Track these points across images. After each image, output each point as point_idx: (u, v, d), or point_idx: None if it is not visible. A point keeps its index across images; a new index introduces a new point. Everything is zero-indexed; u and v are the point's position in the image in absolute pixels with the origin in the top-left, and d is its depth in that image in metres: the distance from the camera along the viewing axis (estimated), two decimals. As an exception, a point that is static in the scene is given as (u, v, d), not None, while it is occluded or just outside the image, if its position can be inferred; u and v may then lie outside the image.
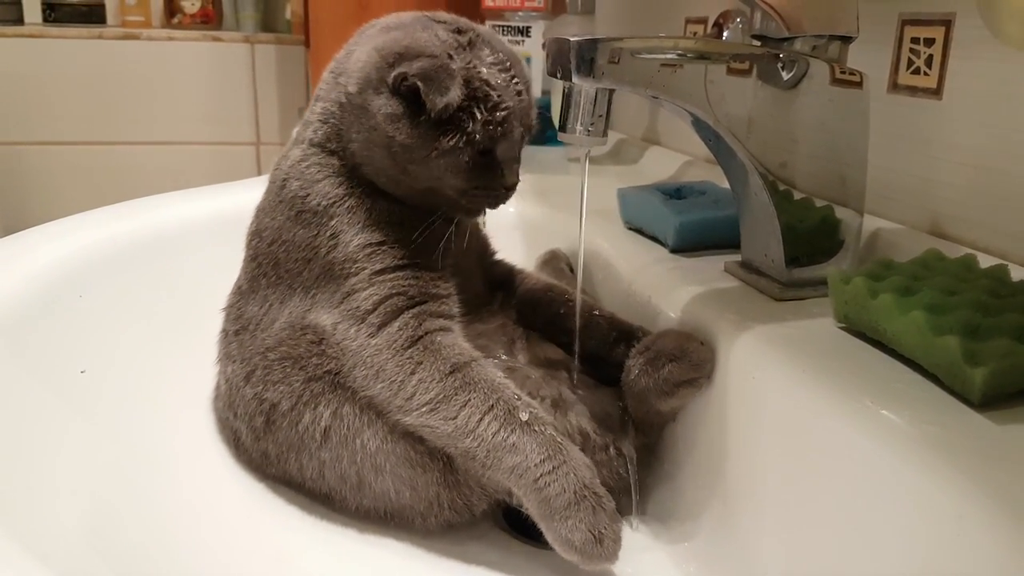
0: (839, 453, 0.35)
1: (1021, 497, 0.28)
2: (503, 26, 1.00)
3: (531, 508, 0.40)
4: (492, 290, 0.54)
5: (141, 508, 0.42)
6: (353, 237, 0.44)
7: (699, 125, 0.47)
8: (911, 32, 0.53)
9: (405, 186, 0.45)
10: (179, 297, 0.57)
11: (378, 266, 0.44)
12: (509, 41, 0.98)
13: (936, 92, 0.52)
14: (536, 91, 0.98)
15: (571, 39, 0.40)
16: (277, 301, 0.45)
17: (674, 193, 0.62)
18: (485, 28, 0.46)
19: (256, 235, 0.47)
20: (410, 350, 0.42)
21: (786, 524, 0.39)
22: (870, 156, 0.49)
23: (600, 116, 0.43)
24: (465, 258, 0.49)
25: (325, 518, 0.46)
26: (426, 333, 0.43)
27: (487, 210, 0.47)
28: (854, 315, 0.42)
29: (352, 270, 0.43)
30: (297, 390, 0.44)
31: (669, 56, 0.43)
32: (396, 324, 0.43)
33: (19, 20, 1.67)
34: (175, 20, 1.81)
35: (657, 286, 0.53)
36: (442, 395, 0.41)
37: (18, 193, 1.60)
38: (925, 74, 0.53)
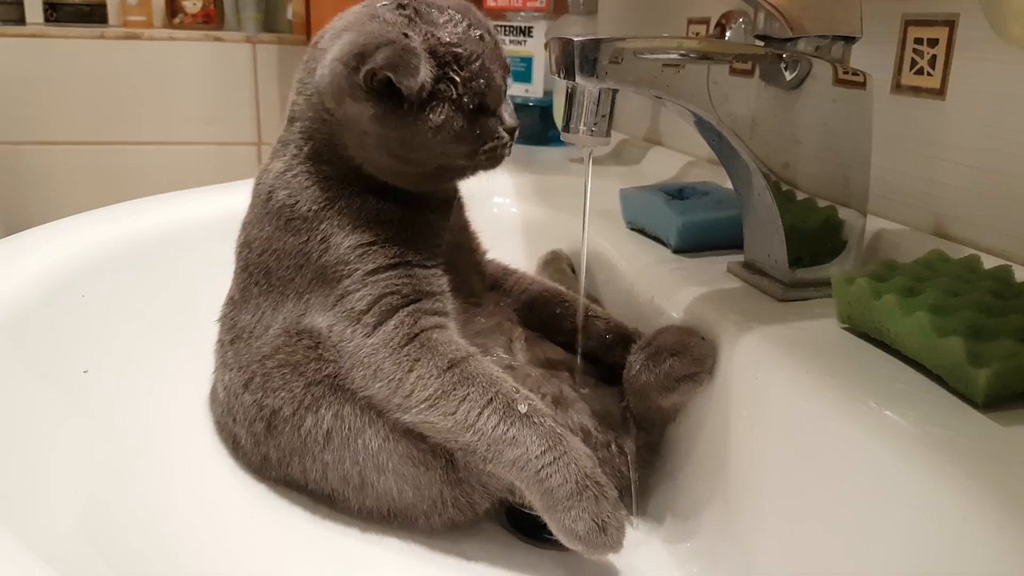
0: (842, 454, 0.35)
1: (1026, 498, 0.28)
2: (505, 26, 1.00)
3: (534, 500, 0.40)
4: (486, 289, 0.54)
5: (141, 508, 0.42)
6: (343, 239, 0.44)
7: (702, 125, 0.47)
8: (914, 32, 0.53)
9: (414, 175, 0.45)
10: (181, 297, 0.57)
11: (370, 266, 0.44)
12: (511, 42, 0.99)
13: (940, 93, 0.52)
14: (538, 91, 0.99)
15: (574, 39, 0.40)
16: (270, 308, 0.45)
17: (676, 194, 0.62)
18: None
19: (246, 246, 0.47)
20: (407, 348, 0.42)
21: (788, 524, 0.38)
22: (873, 157, 0.49)
23: (603, 116, 0.43)
24: (457, 255, 0.49)
25: (328, 518, 0.46)
26: (422, 331, 0.43)
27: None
28: (857, 316, 0.41)
29: (345, 272, 0.43)
30: (298, 395, 0.44)
31: (672, 56, 0.43)
32: (391, 323, 0.43)
33: (21, 20, 1.67)
34: (176, 20, 1.81)
35: (660, 287, 0.53)
36: (440, 391, 0.41)
37: (19, 193, 1.60)
38: (928, 75, 0.53)
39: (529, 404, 0.41)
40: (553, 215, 0.71)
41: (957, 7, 0.50)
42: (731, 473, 0.43)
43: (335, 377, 0.43)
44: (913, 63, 0.54)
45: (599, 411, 0.47)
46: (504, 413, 0.41)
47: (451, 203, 0.49)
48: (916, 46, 0.53)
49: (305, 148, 0.46)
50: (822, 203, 0.48)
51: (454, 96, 0.42)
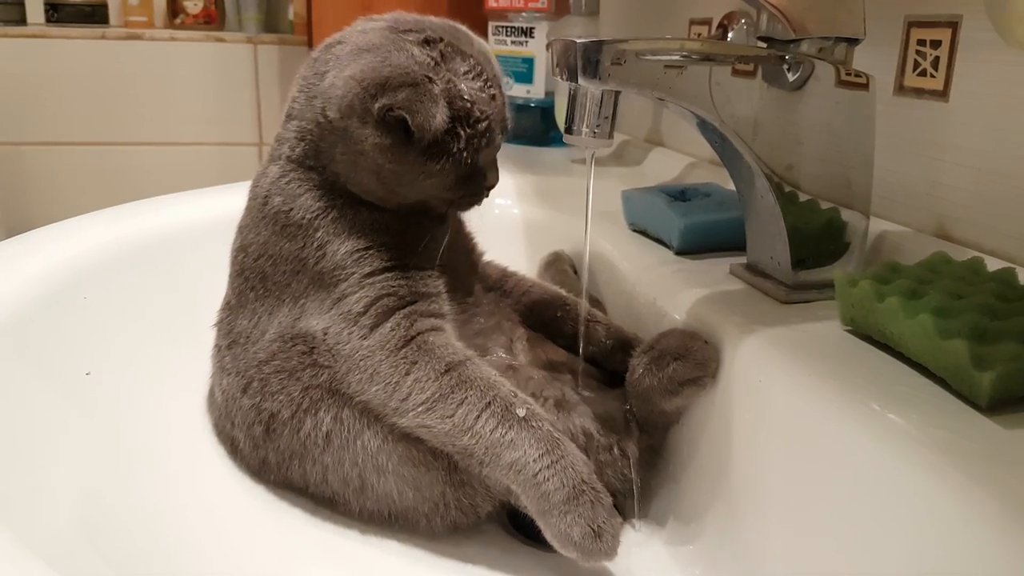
0: (845, 456, 0.35)
1: (1030, 502, 0.28)
2: (506, 27, 1.00)
3: (529, 504, 0.40)
4: (485, 290, 0.54)
5: (143, 510, 0.42)
6: (340, 246, 0.44)
7: (705, 127, 0.47)
8: (917, 34, 0.53)
9: (394, 202, 0.45)
10: (183, 299, 0.57)
11: (367, 269, 0.44)
12: (512, 43, 0.99)
13: (943, 94, 0.52)
14: (540, 92, 0.99)
15: (577, 41, 0.40)
16: (266, 313, 0.45)
17: (678, 195, 0.62)
18: (448, 26, 0.46)
19: (242, 251, 0.47)
20: (404, 350, 0.42)
21: (791, 527, 0.38)
22: (876, 158, 0.49)
23: (606, 118, 0.43)
24: (453, 257, 0.49)
25: (328, 520, 0.46)
26: (418, 333, 0.43)
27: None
28: (861, 318, 0.41)
29: (341, 276, 0.43)
30: (297, 398, 0.44)
31: (674, 58, 0.42)
32: (388, 325, 0.43)
33: (22, 20, 1.67)
34: (178, 20, 1.81)
35: (662, 288, 0.53)
36: (438, 394, 0.41)
37: (21, 193, 1.60)
38: (932, 76, 0.52)
39: (527, 408, 0.41)
40: (555, 216, 0.71)
41: (960, 9, 0.50)
42: (733, 476, 0.43)
43: (331, 382, 0.43)
44: (916, 65, 0.54)
45: (601, 414, 0.47)
46: (502, 416, 0.40)
47: (446, 212, 0.49)
48: (919, 48, 0.53)
49: (297, 149, 0.46)
50: (825, 205, 0.48)
51: (455, 150, 0.43)
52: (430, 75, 0.42)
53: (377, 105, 0.41)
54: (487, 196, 0.48)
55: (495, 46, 1.01)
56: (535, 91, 0.99)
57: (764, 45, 0.48)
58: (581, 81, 0.41)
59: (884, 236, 0.53)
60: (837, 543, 0.35)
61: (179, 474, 0.47)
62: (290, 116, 0.47)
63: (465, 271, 0.52)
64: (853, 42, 0.47)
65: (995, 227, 0.49)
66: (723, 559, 0.43)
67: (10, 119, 1.57)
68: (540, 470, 0.39)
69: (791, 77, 0.46)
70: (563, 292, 0.55)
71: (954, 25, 0.50)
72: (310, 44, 1.44)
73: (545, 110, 0.99)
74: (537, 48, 0.97)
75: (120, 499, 0.42)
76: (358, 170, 0.44)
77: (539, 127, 1.00)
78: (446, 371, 0.42)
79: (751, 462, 0.42)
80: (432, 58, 0.43)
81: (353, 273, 0.43)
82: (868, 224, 0.50)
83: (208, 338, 0.50)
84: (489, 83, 0.45)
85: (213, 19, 1.83)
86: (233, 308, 0.48)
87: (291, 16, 1.76)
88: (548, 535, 0.40)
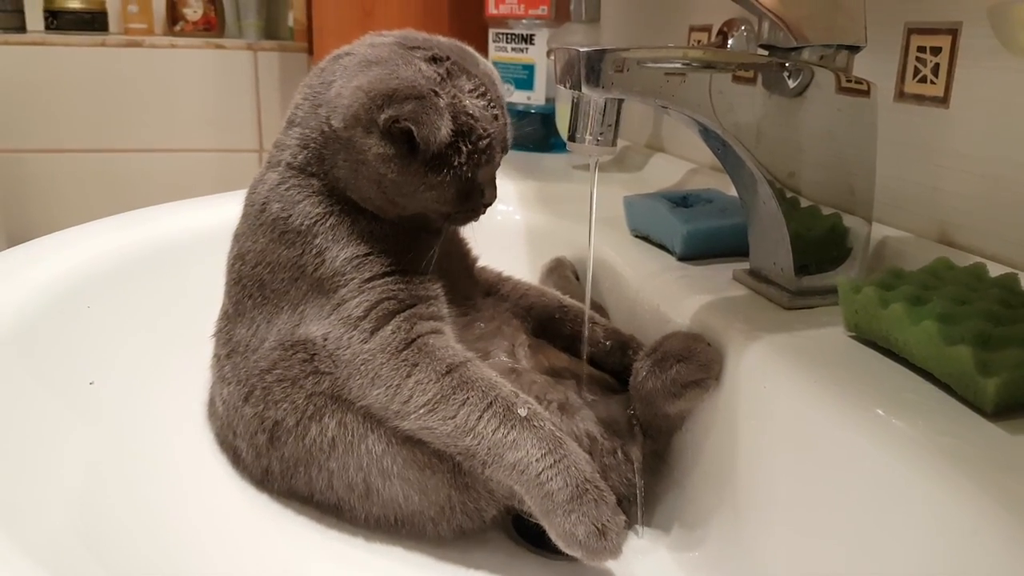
0: (850, 463, 0.35)
1: (1037, 508, 0.28)
2: (507, 34, 1.00)
3: (533, 504, 0.40)
4: (482, 295, 0.54)
5: (147, 519, 0.42)
6: (339, 252, 0.44)
7: (707, 134, 0.47)
8: (917, 41, 0.54)
9: (392, 213, 0.46)
10: (185, 307, 0.57)
11: (367, 274, 0.44)
12: (513, 49, 0.99)
13: (943, 101, 0.52)
14: (540, 99, 0.99)
15: (580, 50, 0.41)
16: (264, 321, 0.45)
17: (680, 201, 0.62)
18: (456, 46, 0.46)
19: (239, 259, 0.47)
20: (404, 353, 0.42)
21: (796, 534, 0.38)
22: (878, 164, 0.49)
23: (609, 126, 0.43)
24: (449, 262, 0.50)
25: (333, 527, 0.46)
26: (419, 336, 0.43)
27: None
28: (864, 324, 0.42)
29: (341, 282, 0.44)
30: (301, 406, 0.44)
31: (676, 65, 0.43)
32: (389, 328, 0.43)
33: (21, 28, 1.67)
34: (177, 28, 1.81)
35: (665, 294, 0.53)
36: (440, 395, 0.41)
37: (21, 200, 1.60)
38: (932, 83, 0.53)
39: (528, 408, 0.41)
40: (557, 222, 0.72)
41: (960, 16, 0.50)
42: (738, 481, 0.43)
43: (333, 388, 0.43)
44: (916, 71, 0.54)
45: (605, 418, 0.47)
46: (504, 417, 0.41)
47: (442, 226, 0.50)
48: (919, 54, 0.53)
49: (299, 157, 0.46)
50: (827, 211, 0.48)
51: (455, 164, 0.44)
52: (436, 89, 0.43)
53: (383, 116, 0.41)
54: (484, 213, 0.48)
55: (496, 53, 1.02)
56: (536, 97, 0.99)
57: (765, 53, 0.48)
58: (584, 89, 0.41)
59: (886, 242, 0.53)
60: (842, 549, 0.35)
61: (182, 483, 0.47)
62: (292, 123, 0.47)
63: (462, 276, 0.52)
64: (854, 49, 0.48)
65: (997, 232, 0.49)
66: (728, 565, 0.43)
67: (10, 126, 1.57)
68: (543, 470, 0.40)
69: (791, 84, 0.46)
70: (560, 295, 0.55)
71: (954, 32, 0.51)
72: (310, 51, 1.44)
73: (546, 116, 0.99)
74: (538, 55, 0.97)
75: (123, 508, 0.42)
76: (359, 178, 0.44)
77: (540, 133, 1.00)
78: (447, 373, 0.42)
79: (756, 468, 0.42)
80: (439, 74, 0.44)
81: (353, 278, 0.44)
82: (870, 230, 0.50)
83: (211, 346, 0.50)
84: (492, 104, 0.45)
85: (213, 26, 1.83)
86: (231, 317, 0.48)
87: (291, 23, 1.77)
88: (552, 535, 0.40)
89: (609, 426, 0.46)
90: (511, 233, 0.73)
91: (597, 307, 0.60)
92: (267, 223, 0.46)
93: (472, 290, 0.53)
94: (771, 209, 0.47)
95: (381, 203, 0.45)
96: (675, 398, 0.46)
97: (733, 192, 0.51)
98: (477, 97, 0.44)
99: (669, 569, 0.45)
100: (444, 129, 0.42)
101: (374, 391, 0.42)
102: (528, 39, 0.98)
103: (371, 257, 0.44)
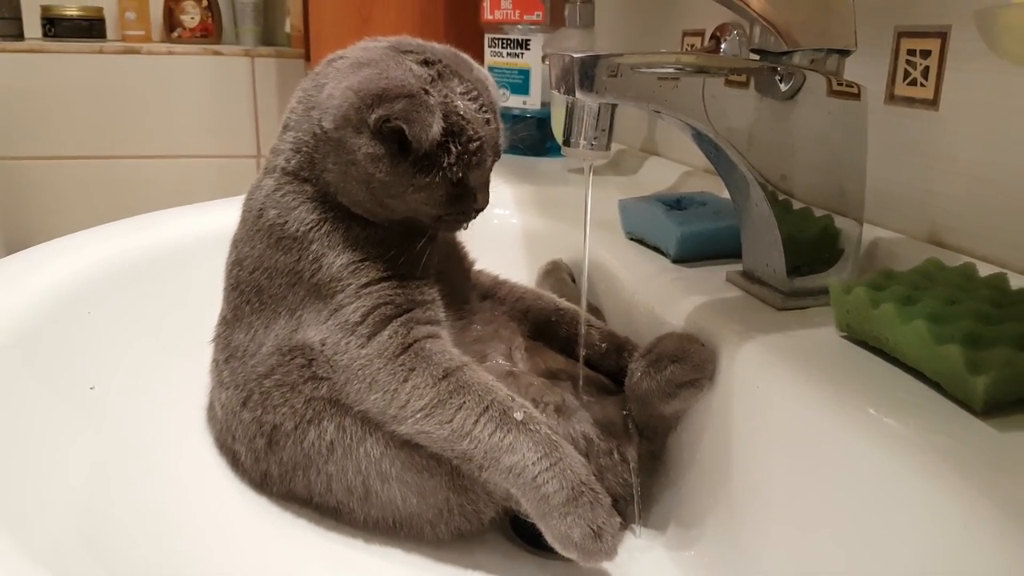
0: (843, 462, 0.36)
1: (1025, 503, 0.29)
2: (502, 39, 1.00)
3: (529, 507, 0.41)
4: (479, 298, 0.54)
5: (147, 522, 0.43)
6: (336, 258, 0.44)
7: (700, 138, 0.47)
8: (907, 44, 0.54)
9: (382, 215, 0.46)
10: (186, 312, 0.57)
11: (363, 280, 0.44)
12: (508, 54, 0.99)
13: (933, 103, 0.53)
14: (536, 103, 0.99)
15: (574, 56, 0.41)
16: (262, 327, 0.46)
17: (675, 204, 0.63)
18: (450, 52, 0.47)
19: (236, 264, 0.48)
20: (401, 357, 0.43)
21: (791, 532, 0.39)
22: (869, 166, 0.50)
23: (603, 130, 0.44)
24: (446, 266, 0.50)
25: (333, 530, 0.46)
26: (415, 340, 0.43)
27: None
28: (856, 324, 0.42)
29: (338, 287, 0.44)
30: (300, 410, 0.44)
31: (669, 70, 0.43)
32: (385, 333, 0.43)
33: (19, 35, 1.67)
34: (175, 34, 1.82)
35: (660, 296, 0.53)
36: (437, 400, 0.41)
37: (20, 208, 1.61)
38: (922, 85, 0.53)
39: (525, 411, 0.42)
40: (553, 225, 0.72)
41: (949, 19, 0.51)
42: (733, 481, 0.43)
43: (331, 393, 0.44)
44: (906, 74, 0.54)
45: (601, 419, 0.47)
46: (500, 420, 0.41)
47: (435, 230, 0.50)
48: (909, 57, 0.54)
49: (292, 161, 0.46)
50: (819, 213, 0.49)
51: (445, 165, 0.44)
52: (427, 88, 0.43)
53: (373, 116, 0.42)
54: (475, 217, 0.48)
55: (492, 58, 1.02)
56: (531, 102, 0.99)
57: (757, 57, 0.49)
58: (578, 95, 0.42)
59: (877, 243, 0.54)
60: (836, 546, 0.36)
61: (183, 486, 0.47)
62: (287, 127, 0.47)
63: (458, 280, 0.52)
64: (844, 53, 0.48)
65: (986, 234, 0.50)
66: (723, 564, 0.43)
67: (8, 134, 1.58)
68: (539, 473, 0.40)
69: (783, 88, 0.47)
70: (556, 298, 0.56)
71: (943, 35, 0.51)
72: (307, 57, 1.45)
73: (541, 120, 1.00)
74: (533, 60, 0.98)
75: (125, 511, 0.42)
76: (348, 180, 0.45)
77: (536, 137, 1.01)
78: (444, 377, 0.42)
79: (751, 468, 0.42)
80: (430, 75, 0.44)
81: (350, 284, 0.44)
82: (862, 231, 0.50)
83: (210, 352, 0.50)
84: (485, 108, 0.45)
85: (210, 32, 1.84)
86: (229, 322, 0.48)
87: (288, 29, 1.77)
88: (548, 537, 0.40)
89: (605, 427, 0.47)
90: (507, 237, 0.73)
91: (593, 309, 0.60)
92: (264, 229, 0.46)
93: (469, 294, 0.53)
94: (763, 211, 0.48)
95: (370, 206, 0.45)
96: (670, 398, 0.46)
97: (727, 195, 0.51)
98: (469, 100, 0.45)
99: (666, 568, 0.45)
100: (436, 127, 0.42)
101: (371, 395, 0.42)
102: (523, 44, 0.98)
103: (367, 262, 0.45)
